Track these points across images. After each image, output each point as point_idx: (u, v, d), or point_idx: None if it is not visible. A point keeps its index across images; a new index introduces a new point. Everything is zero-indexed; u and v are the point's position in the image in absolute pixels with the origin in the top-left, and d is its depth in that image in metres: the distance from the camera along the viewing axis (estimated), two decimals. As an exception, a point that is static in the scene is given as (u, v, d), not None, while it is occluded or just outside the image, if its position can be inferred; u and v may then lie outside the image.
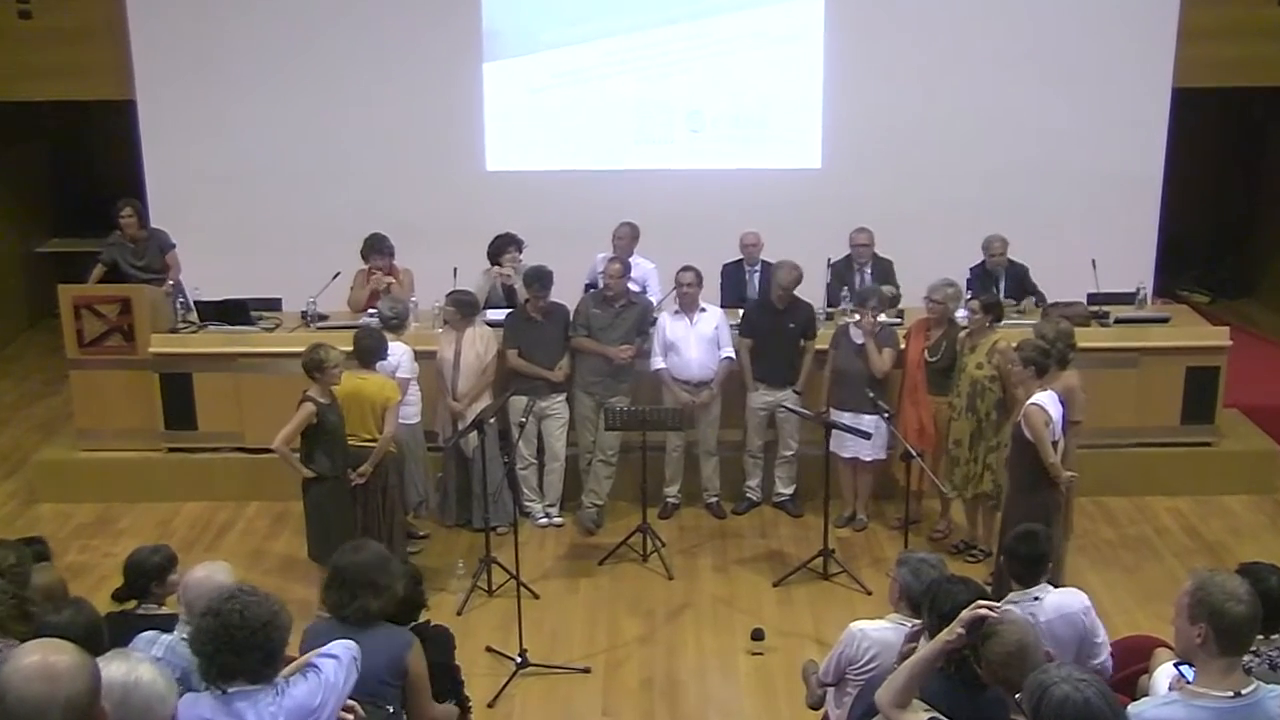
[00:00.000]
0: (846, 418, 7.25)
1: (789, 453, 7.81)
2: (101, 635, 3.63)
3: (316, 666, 3.35)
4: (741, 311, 7.86)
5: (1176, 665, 3.68)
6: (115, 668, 2.52)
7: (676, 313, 7.65)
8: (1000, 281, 8.22)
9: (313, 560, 6.51)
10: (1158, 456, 8.12)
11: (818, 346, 7.65)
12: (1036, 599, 4.41)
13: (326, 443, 6.30)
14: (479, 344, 7.42)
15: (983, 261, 8.26)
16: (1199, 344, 8.07)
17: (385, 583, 4.02)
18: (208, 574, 4.02)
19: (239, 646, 3.15)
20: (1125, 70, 9.75)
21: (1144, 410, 8.03)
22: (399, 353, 6.99)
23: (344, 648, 3.45)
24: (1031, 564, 4.51)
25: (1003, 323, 7.28)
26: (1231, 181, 12.15)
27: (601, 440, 7.60)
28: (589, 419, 7.66)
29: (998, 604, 3.66)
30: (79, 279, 8.56)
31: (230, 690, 3.15)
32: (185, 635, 3.90)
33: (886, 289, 8.11)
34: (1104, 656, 4.41)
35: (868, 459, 7.51)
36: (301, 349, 6.44)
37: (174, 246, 8.66)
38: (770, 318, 7.63)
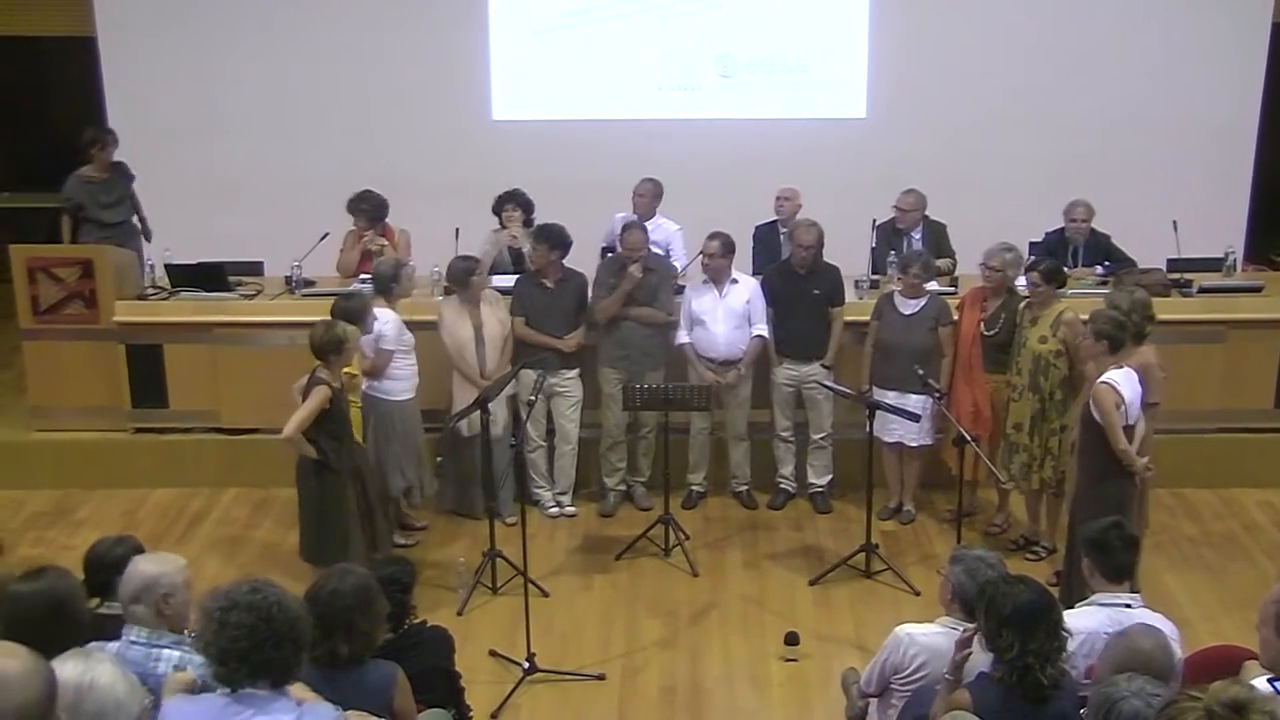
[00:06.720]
0: (891, 397, 7.22)
1: (821, 435, 7.77)
2: (75, 607, 3.57)
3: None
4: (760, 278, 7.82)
5: (1271, 681, 3.65)
6: (70, 668, 2.53)
7: (705, 283, 7.63)
8: (1079, 252, 8.15)
9: (306, 562, 6.47)
10: (1247, 443, 8.07)
11: (860, 317, 7.62)
12: (1128, 606, 4.30)
13: (334, 430, 6.25)
14: (500, 310, 7.47)
15: (1062, 228, 8.18)
16: (1296, 316, 8.01)
17: (364, 627, 3.99)
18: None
19: (280, 640, 3.22)
20: (1216, 3, 9.62)
21: (1232, 391, 7.99)
22: (385, 320, 6.97)
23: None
24: (1126, 553, 4.39)
25: (1070, 291, 7.23)
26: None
27: (640, 415, 7.69)
28: (615, 397, 7.64)
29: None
30: (31, 238, 8.58)
31: (243, 690, 3.20)
32: (135, 638, 3.88)
33: (943, 262, 8.06)
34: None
35: (913, 444, 7.50)
36: (284, 319, 6.45)
37: (134, 178, 8.86)
38: (792, 283, 7.58)
